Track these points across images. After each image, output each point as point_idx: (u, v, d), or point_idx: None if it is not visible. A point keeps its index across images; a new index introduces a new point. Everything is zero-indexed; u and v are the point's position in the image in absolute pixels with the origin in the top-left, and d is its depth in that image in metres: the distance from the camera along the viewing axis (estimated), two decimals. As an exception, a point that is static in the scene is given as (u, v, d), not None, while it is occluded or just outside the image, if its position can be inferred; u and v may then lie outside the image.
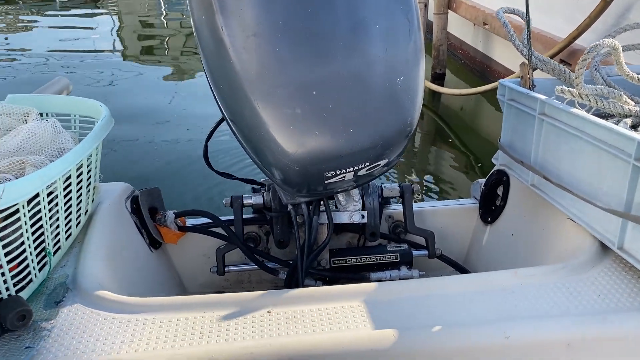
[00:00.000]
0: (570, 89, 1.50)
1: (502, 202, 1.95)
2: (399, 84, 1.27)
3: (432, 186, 4.23)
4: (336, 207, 1.78)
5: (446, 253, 2.02)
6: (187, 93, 6.05)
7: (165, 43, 8.84)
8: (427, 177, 4.44)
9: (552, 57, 3.90)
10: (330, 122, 1.26)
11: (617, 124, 1.48)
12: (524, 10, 1.81)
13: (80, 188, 1.43)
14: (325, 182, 1.40)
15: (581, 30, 3.54)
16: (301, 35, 1.20)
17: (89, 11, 11.66)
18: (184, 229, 1.90)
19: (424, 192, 4.03)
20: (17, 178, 1.25)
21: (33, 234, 1.21)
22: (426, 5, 6.17)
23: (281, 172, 1.38)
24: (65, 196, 1.34)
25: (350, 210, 1.77)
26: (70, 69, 6.97)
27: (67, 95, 1.71)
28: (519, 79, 1.77)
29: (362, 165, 1.38)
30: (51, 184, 1.24)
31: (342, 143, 1.29)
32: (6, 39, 8.78)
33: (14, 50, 8.08)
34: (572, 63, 3.86)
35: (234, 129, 1.39)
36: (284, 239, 1.87)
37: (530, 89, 1.71)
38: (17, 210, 1.13)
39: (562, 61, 3.97)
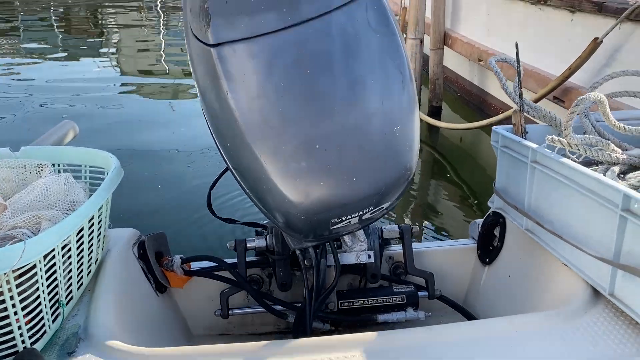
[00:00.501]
0: (560, 138, 1.58)
1: (499, 243, 2.01)
2: (397, 132, 1.35)
3: (432, 223, 4.28)
4: (340, 247, 1.84)
5: (446, 293, 2.06)
6: (187, 127, 6.15)
7: (164, 76, 9.00)
8: (426, 213, 4.50)
9: (546, 94, 4.01)
10: (334, 173, 1.33)
11: (606, 171, 1.56)
12: (515, 59, 1.90)
13: (92, 239, 1.49)
14: (332, 227, 1.46)
15: (573, 69, 3.65)
16: (302, 94, 1.28)
17: (91, 41, 11.91)
18: (189, 273, 1.95)
19: (423, 231, 4.08)
20: (33, 233, 1.31)
21: (48, 287, 1.26)
22: (422, 42, 6.32)
23: (288, 221, 1.44)
24: (77, 248, 1.39)
25: (357, 251, 1.84)
26: (74, 104, 7.09)
27: (79, 147, 1.77)
28: (512, 126, 1.85)
29: (366, 210, 1.44)
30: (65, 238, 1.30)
31: (346, 191, 1.36)
32: (11, 72, 8.93)
33: (21, 84, 8.23)
34: (566, 100, 3.98)
35: (239, 180, 1.46)
36: (286, 281, 1.92)
37: (522, 136, 1.79)
38: (34, 266, 1.18)
39: (555, 98, 4.08)
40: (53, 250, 1.25)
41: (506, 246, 1.96)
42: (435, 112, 6.63)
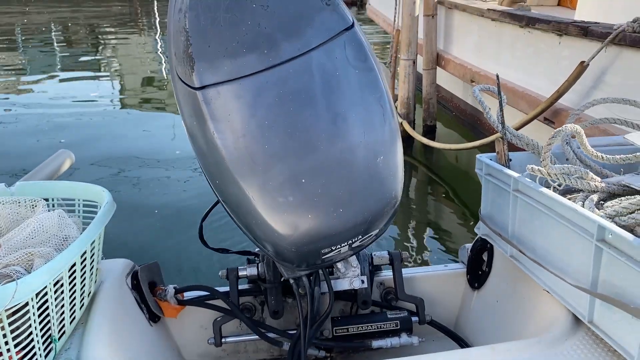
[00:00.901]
0: (539, 167, 1.62)
1: (487, 268, 2.04)
2: (380, 163, 1.39)
3: (426, 244, 4.31)
4: (333, 274, 1.88)
5: (437, 318, 2.09)
6: (183, 150, 6.21)
7: (162, 99, 9.09)
8: (421, 233, 4.53)
9: (536, 116, 4.07)
10: (321, 205, 1.37)
11: (585, 199, 1.60)
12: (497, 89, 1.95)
13: (84, 273, 1.53)
14: (322, 257, 1.50)
15: (561, 92, 3.72)
16: (286, 131, 1.33)
17: (90, 59, 12.04)
18: (182, 302, 1.98)
19: (416, 252, 4.11)
20: (26, 269, 1.35)
21: (40, 323, 1.29)
22: (414, 62, 6.41)
23: (279, 253, 1.48)
24: (70, 283, 1.43)
25: (350, 277, 1.87)
26: (71, 127, 7.14)
27: (72, 182, 1.81)
28: (496, 154, 1.90)
29: (355, 239, 1.48)
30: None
31: (334, 222, 1.40)
32: (9, 92, 9.01)
33: (20, 105, 8.31)
34: (556, 121, 4.03)
35: (230, 213, 1.50)
36: (278, 309, 1.95)
37: (505, 164, 1.83)
38: (26, 304, 1.22)
39: (546, 119, 4.14)
40: (45, 287, 1.28)
41: (493, 271, 1.99)
42: (429, 132, 6.70)
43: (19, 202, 1.65)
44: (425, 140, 5.88)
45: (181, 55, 1.32)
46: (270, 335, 1.94)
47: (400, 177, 1.47)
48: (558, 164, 1.79)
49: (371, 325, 1.95)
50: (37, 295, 1.25)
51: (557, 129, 1.55)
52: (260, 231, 1.41)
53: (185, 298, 2.00)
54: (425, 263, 3.96)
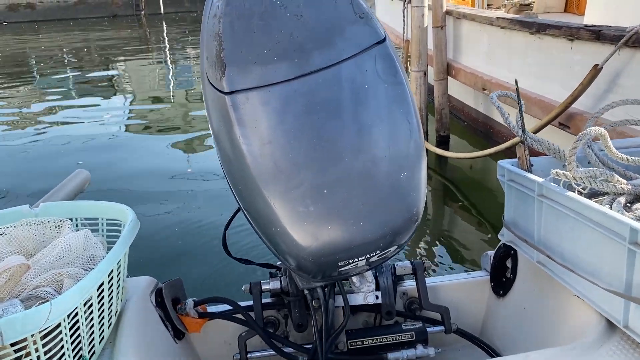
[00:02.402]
0: (564, 172, 1.61)
1: (511, 275, 2.02)
2: (403, 178, 1.39)
3: (446, 254, 4.28)
4: (350, 288, 1.87)
5: (462, 326, 2.06)
6: (199, 168, 6.25)
7: (173, 119, 9.17)
8: (439, 243, 4.50)
9: (550, 121, 4.05)
10: (341, 217, 1.36)
11: (612, 202, 1.58)
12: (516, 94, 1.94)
13: (112, 292, 1.53)
14: (339, 269, 1.49)
15: (575, 96, 3.70)
16: (312, 141, 1.33)
17: (103, 85, 12.20)
18: (205, 315, 1.97)
19: (437, 262, 4.08)
20: (56, 290, 1.35)
21: (72, 343, 1.29)
22: (425, 74, 6.42)
23: (296, 262, 1.47)
24: (98, 302, 1.43)
25: (365, 292, 1.85)
26: (87, 148, 7.23)
27: (96, 201, 1.82)
28: (517, 159, 1.88)
29: (374, 253, 1.47)
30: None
31: (353, 235, 1.39)
32: (25, 117, 9.14)
33: (35, 128, 8.43)
34: (571, 126, 4.02)
35: (250, 220, 1.50)
36: (302, 322, 1.93)
37: (527, 170, 1.82)
38: (59, 325, 1.22)
39: (561, 124, 4.12)
40: (76, 307, 1.28)
41: (519, 278, 1.97)
42: (443, 142, 6.69)
43: (45, 223, 1.66)
44: (439, 151, 5.88)
45: (213, 60, 1.33)
46: (288, 350, 1.93)
47: (423, 193, 1.46)
48: (582, 168, 1.78)
49: (386, 338, 1.93)
50: (68, 315, 1.25)
51: (582, 132, 1.54)
52: (279, 239, 1.41)
53: (207, 311, 2.00)
54: (446, 272, 3.93)
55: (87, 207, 1.81)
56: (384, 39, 1.41)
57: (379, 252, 1.45)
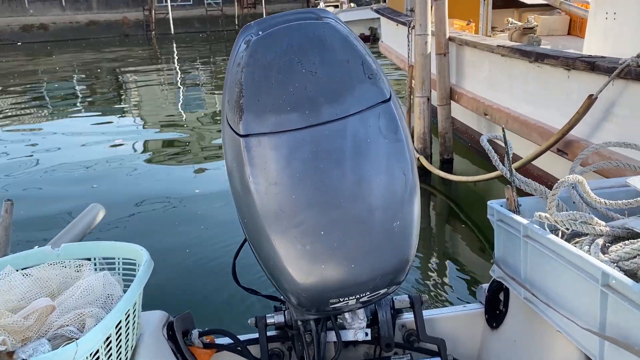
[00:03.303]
0: (546, 214, 1.73)
1: (504, 308, 2.13)
2: (396, 227, 1.51)
3: (446, 280, 4.37)
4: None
5: (458, 357, 2.17)
6: (206, 194, 6.40)
7: (184, 142, 9.35)
8: (440, 268, 4.59)
9: (548, 147, 4.17)
10: (335, 258, 1.50)
11: (592, 243, 1.70)
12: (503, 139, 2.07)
13: (128, 329, 1.66)
14: (331, 305, 1.62)
15: (572, 124, 3.82)
16: (314, 185, 1.47)
17: (114, 107, 12.46)
18: (210, 346, 2.09)
19: (436, 290, 4.17)
20: (78, 329, 1.49)
21: (93, 379, 1.42)
22: (429, 99, 6.56)
23: (291, 295, 1.60)
24: (116, 339, 1.56)
25: (355, 328, 1.94)
26: (99, 178, 7.39)
27: (113, 242, 1.96)
28: (506, 200, 2.01)
29: (363, 294, 1.60)
30: (106, 332, 1.47)
31: (345, 276, 1.52)
32: (36, 142, 9.36)
33: (49, 154, 8.63)
34: (569, 152, 4.13)
35: (254, 252, 1.64)
36: (305, 355, 2.05)
37: (515, 211, 1.94)
38: (82, 363, 1.35)
39: (559, 150, 4.24)
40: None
41: (510, 312, 2.08)
42: (446, 165, 6.81)
43: (66, 265, 1.80)
44: (442, 174, 5.99)
45: (233, 104, 1.48)
46: None
47: (414, 242, 1.58)
48: (565, 209, 1.90)
49: None
50: (91, 354, 1.38)
51: (560, 180, 1.67)
52: (277, 272, 1.54)
53: (215, 342, 2.11)
54: (445, 298, 4.03)
55: (105, 248, 1.95)
56: (389, 99, 1.54)
57: (368, 293, 1.57)
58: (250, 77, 1.48)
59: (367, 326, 2.10)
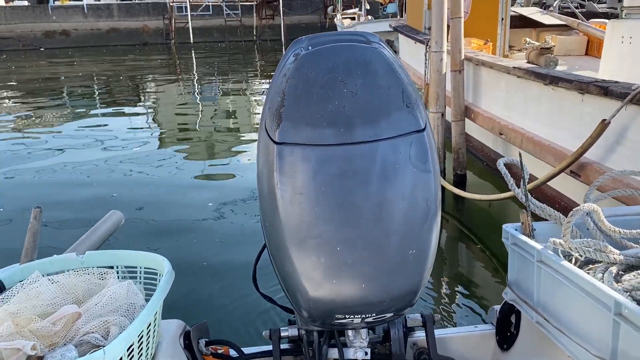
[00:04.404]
0: (560, 241, 1.76)
1: (515, 330, 2.15)
2: (411, 255, 1.55)
3: (458, 299, 4.38)
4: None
5: None
6: (223, 203, 6.46)
7: (206, 156, 9.45)
8: (452, 287, 4.60)
9: (562, 170, 4.19)
10: (347, 275, 1.54)
11: (605, 271, 1.72)
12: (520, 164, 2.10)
13: (149, 337, 1.71)
14: (335, 320, 1.67)
15: (585, 148, 3.85)
16: (337, 201, 1.51)
17: (130, 111, 12.64)
18: (224, 357, 2.13)
19: (448, 309, 4.18)
20: (103, 337, 1.54)
21: (116, 386, 1.47)
22: (443, 115, 6.61)
23: (299, 303, 1.65)
24: (138, 347, 1.61)
25: (356, 347, 1.95)
26: (116, 186, 7.49)
27: (136, 251, 2.01)
28: (520, 224, 2.04)
29: (369, 315, 1.64)
30: (128, 340, 1.52)
31: (353, 294, 1.56)
32: (56, 147, 9.52)
33: (69, 160, 8.77)
34: (582, 175, 4.14)
35: (270, 255, 1.70)
36: None
37: (529, 235, 1.97)
38: (107, 370, 1.40)
39: (572, 172, 4.25)
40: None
41: (521, 335, 2.10)
42: (460, 181, 6.82)
43: (89, 272, 1.86)
44: (456, 191, 6.00)
45: (273, 112, 1.54)
46: None
47: (427, 271, 1.61)
48: (579, 236, 1.93)
49: None
50: (114, 361, 1.44)
51: (575, 208, 1.70)
52: (289, 279, 1.59)
53: (224, 354, 2.15)
54: (456, 318, 4.04)
55: (128, 256, 2.01)
56: (423, 129, 1.57)
57: (374, 314, 1.62)
58: (294, 88, 1.53)
59: (379, 343, 2.14)
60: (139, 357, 1.65)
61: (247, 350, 2.20)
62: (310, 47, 1.58)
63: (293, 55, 1.58)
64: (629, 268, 1.75)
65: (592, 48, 8.89)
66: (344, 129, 1.53)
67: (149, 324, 1.70)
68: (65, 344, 1.50)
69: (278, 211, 1.52)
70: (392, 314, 1.65)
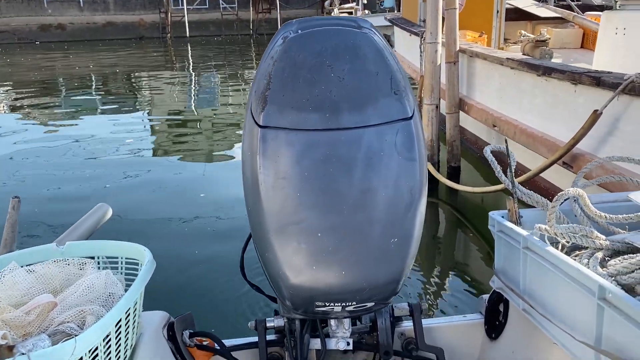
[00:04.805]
0: (546, 227, 1.73)
1: (503, 319, 2.13)
2: (393, 244, 1.52)
3: (449, 290, 4.36)
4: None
5: None
6: (212, 198, 6.43)
7: (196, 148, 9.41)
8: (444, 277, 4.59)
9: (554, 161, 4.17)
10: (327, 261, 1.52)
11: (591, 256, 1.70)
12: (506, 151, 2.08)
13: (128, 327, 1.68)
14: (316, 308, 1.65)
15: (577, 139, 3.83)
16: (320, 187, 1.49)
17: (126, 103, 12.59)
18: (209, 348, 2.10)
19: (439, 299, 4.16)
20: (79, 326, 1.51)
21: (91, 376, 1.44)
22: (437, 107, 6.58)
23: (281, 290, 1.64)
24: (116, 337, 1.58)
25: (338, 337, 1.94)
26: (106, 178, 7.45)
27: (116, 241, 1.98)
28: (507, 211, 2.01)
29: (350, 303, 1.62)
30: (105, 330, 1.49)
31: (333, 281, 1.54)
32: (50, 140, 9.47)
33: (59, 152, 8.74)
34: (574, 166, 4.13)
35: (254, 241, 1.67)
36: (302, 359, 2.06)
37: (516, 222, 1.94)
38: (81, 359, 1.37)
39: (565, 163, 4.23)
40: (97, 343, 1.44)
41: (509, 323, 2.08)
42: (454, 173, 6.81)
43: (69, 262, 1.83)
44: (449, 183, 5.99)
45: (258, 95, 1.50)
46: None
47: (408, 262, 1.58)
48: (566, 222, 1.90)
49: None
50: (89, 350, 1.41)
51: (561, 192, 1.67)
52: (270, 265, 1.58)
53: (215, 346, 2.13)
54: (448, 306, 4.02)
55: (109, 247, 1.97)
56: (411, 117, 1.54)
57: (354, 303, 1.59)
58: (280, 71, 1.50)
59: (366, 333, 2.12)
60: (118, 348, 1.62)
61: (233, 341, 2.18)
62: (299, 30, 1.54)
63: (282, 38, 1.54)
64: (615, 254, 1.72)
65: (588, 41, 8.86)
66: (329, 114, 1.49)
67: (128, 314, 1.67)
68: (39, 334, 1.47)
69: (260, 196, 1.49)
70: (373, 304, 1.62)
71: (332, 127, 1.49)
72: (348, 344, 1.94)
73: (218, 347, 2.11)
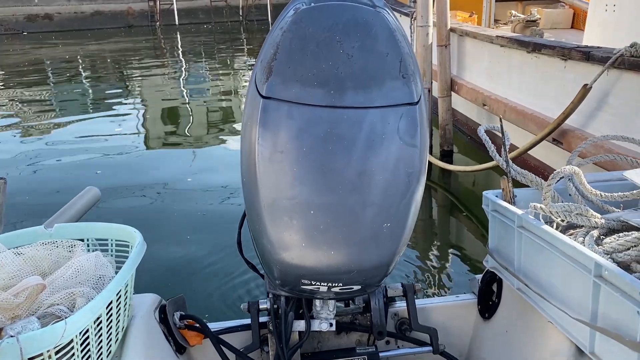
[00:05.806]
0: (541, 205, 1.72)
1: (496, 299, 2.13)
2: (385, 229, 1.50)
3: (443, 268, 4.38)
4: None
5: (449, 347, 2.17)
6: (203, 184, 6.39)
7: (186, 134, 9.33)
8: (439, 256, 4.61)
9: (544, 137, 4.17)
10: (316, 240, 1.50)
11: (586, 235, 1.69)
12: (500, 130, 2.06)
13: (119, 309, 1.66)
14: (301, 286, 1.64)
15: (567, 114, 3.83)
16: (317, 165, 1.46)
17: (115, 92, 12.43)
18: (195, 329, 2.08)
19: (432, 278, 4.18)
20: (69, 308, 1.48)
21: (82, 357, 1.42)
22: (429, 90, 6.55)
23: (268, 264, 1.63)
24: (107, 320, 1.56)
25: (322, 318, 1.94)
26: (98, 164, 7.39)
27: (106, 223, 1.95)
28: (501, 191, 2.00)
29: (336, 284, 1.60)
30: (96, 312, 1.46)
31: (321, 260, 1.53)
32: (39, 129, 9.35)
33: (48, 140, 8.63)
34: (564, 142, 4.14)
35: (246, 212, 1.66)
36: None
37: (510, 201, 1.93)
38: (72, 341, 1.35)
39: (554, 140, 4.24)
40: (87, 325, 1.41)
41: (503, 302, 2.08)
42: (446, 156, 6.81)
43: (58, 244, 1.79)
44: (440, 164, 5.99)
45: (264, 64, 1.46)
46: None
47: (400, 248, 1.57)
48: (561, 201, 1.89)
49: None
50: (80, 332, 1.38)
51: (556, 170, 1.66)
52: (259, 237, 1.56)
53: (208, 327, 2.11)
54: (440, 289, 4.04)
55: (98, 229, 1.94)
56: (416, 103, 1.49)
57: (340, 284, 1.58)
58: (288, 42, 1.45)
59: (360, 313, 2.11)
60: (109, 330, 1.60)
61: (226, 324, 2.17)
62: (312, 3, 1.49)
63: (293, 9, 1.48)
64: (611, 232, 1.72)
65: (578, 21, 8.84)
66: (334, 91, 1.45)
67: (119, 296, 1.64)
68: (28, 317, 1.44)
69: (256, 168, 1.46)
70: (360, 287, 1.61)
71: (335, 104, 1.46)
72: (331, 324, 1.93)
73: (211, 329, 2.10)
